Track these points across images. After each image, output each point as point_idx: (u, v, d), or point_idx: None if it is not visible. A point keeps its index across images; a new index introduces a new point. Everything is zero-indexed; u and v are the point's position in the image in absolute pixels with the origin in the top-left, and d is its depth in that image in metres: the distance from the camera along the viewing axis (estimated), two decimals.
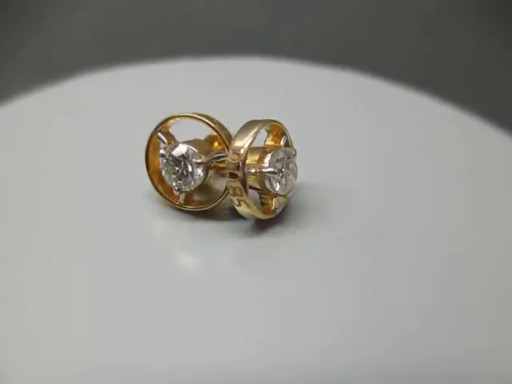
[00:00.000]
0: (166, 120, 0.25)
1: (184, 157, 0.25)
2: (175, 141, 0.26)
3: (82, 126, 0.31)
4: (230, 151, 0.24)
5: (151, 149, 0.26)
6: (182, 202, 0.26)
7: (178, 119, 0.25)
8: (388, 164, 0.29)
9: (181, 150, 0.25)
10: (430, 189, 0.28)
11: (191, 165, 0.25)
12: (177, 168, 0.25)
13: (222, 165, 0.25)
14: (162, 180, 0.26)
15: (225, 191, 0.25)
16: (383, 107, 0.32)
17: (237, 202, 0.24)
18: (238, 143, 0.24)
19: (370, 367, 0.21)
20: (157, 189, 0.26)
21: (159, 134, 0.26)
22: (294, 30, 0.47)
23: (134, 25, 0.47)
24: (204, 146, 0.25)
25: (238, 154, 0.24)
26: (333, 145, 0.30)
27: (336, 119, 0.31)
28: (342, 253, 0.25)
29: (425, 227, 0.26)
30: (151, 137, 0.26)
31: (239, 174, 0.24)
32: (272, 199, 0.25)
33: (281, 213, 0.26)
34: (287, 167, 0.25)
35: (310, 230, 0.25)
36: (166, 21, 0.47)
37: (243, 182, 0.24)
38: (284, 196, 0.25)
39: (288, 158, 0.25)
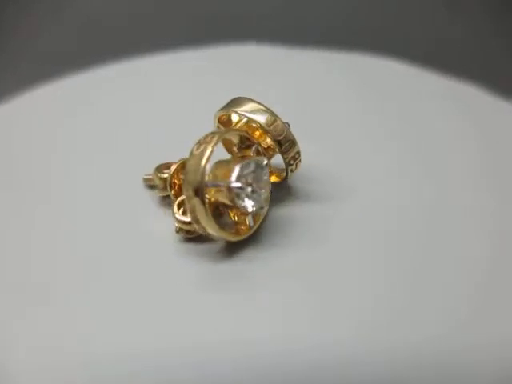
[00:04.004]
0: (205, 167, 0.23)
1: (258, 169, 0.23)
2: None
3: (85, 125, 0.30)
4: (272, 128, 0.24)
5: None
6: (252, 224, 0.24)
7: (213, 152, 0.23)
8: (398, 151, 0.28)
9: (257, 165, 0.23)
10: (439, 173, 0.27)
11: (264, 173, 0.23)
12: (253, 188, 0.23)
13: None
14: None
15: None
16: (390, 89, 0.32)
17: (295, 167, 0.25)
18: (267, 118, 0.24)
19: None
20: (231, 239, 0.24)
21: (208, 183, 0.23)
22: (309, 12, 0.45)
23: (136, 14, 0.44)
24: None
25: (281, 126, 0.24)
26: (341, 129, 0.29)
27: (342, 102, 0.31)
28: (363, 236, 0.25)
29: (434, 216, 0.26)
30: (203, 195, 0.22)
31: (292, 136, 0.24)
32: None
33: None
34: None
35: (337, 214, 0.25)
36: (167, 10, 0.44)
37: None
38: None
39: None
